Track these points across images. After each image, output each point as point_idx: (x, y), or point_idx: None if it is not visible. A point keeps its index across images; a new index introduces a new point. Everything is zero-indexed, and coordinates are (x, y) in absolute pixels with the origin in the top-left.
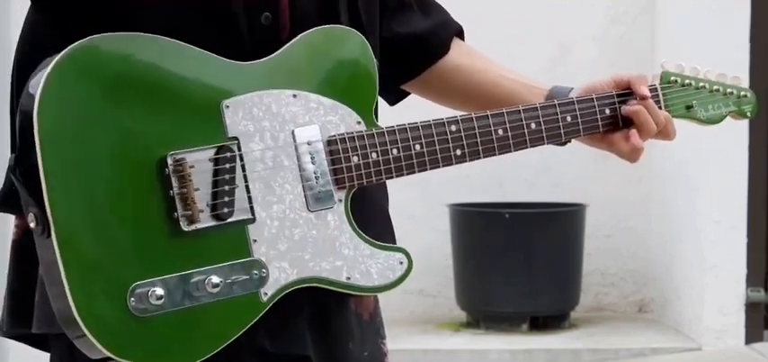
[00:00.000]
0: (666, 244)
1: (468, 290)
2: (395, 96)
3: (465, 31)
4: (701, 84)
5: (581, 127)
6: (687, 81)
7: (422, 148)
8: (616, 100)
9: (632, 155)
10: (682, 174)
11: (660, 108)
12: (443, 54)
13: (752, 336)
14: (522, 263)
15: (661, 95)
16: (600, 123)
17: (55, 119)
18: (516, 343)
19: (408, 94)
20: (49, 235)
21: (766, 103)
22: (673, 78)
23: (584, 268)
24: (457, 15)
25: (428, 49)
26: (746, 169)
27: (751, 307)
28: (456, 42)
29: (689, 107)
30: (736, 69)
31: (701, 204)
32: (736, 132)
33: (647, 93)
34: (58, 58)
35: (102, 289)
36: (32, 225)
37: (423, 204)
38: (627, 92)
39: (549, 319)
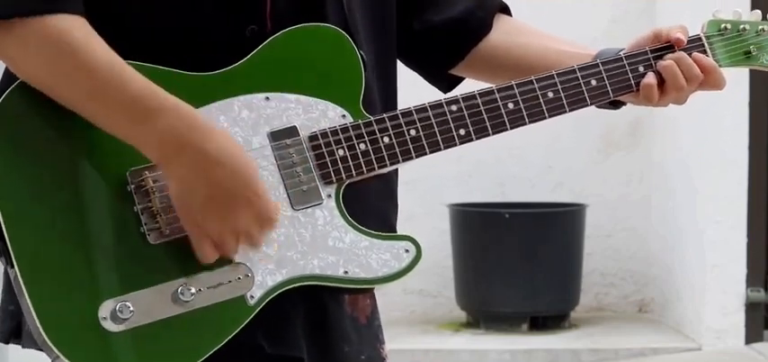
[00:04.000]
0: (667, 244)
1: (468, 290)
2: (446, 83)
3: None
4: (761, 27)
5: (610, 89)
6: (743, 26)
7: (418, 132)
8: (650, 55)
9: (646, 95)
10: (682, 174)
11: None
12: (485, 34)
13: (752, 336)
14: (522, 263)
15: (706, 45)
16: (632, 82)
17: (4, 156)
18: (516, 343)
19: (461, 79)
20: (13, 266)
21: (767, 104)
22: (724, 25)
23: (585, 268)
24: None
25: (468, 31)
26: (746, 169)
27: (751, 307)
28: (500, 19)
29: (747, 53)
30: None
31: (702, 205)
32: (736, 132)
33: (680, 36)
34: (5, 94)
35: (71, 312)
36: None
37: (423, 204)
38: (665, 45)
39: (549, 319)
